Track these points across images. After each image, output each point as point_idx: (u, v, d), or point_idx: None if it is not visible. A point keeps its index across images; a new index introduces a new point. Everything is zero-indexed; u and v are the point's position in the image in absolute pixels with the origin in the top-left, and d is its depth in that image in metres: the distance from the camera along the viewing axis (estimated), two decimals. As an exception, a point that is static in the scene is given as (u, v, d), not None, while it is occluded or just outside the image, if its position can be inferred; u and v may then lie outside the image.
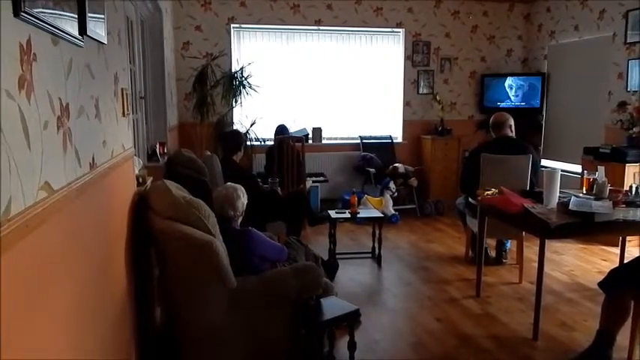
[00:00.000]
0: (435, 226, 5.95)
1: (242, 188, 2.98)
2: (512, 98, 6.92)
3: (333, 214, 4.68)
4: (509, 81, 6.94)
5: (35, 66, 1.23)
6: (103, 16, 1.95)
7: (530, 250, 4.43)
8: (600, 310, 2.78)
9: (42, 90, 1.28)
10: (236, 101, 6.12)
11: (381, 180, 6.26)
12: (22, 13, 1.12)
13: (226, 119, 6.15)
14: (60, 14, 1.43)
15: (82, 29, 1.64)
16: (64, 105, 1.47)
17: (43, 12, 1.28)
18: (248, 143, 5.65)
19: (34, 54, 1.23)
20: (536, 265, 3.09)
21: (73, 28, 1.56)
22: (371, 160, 6.46)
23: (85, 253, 1.65)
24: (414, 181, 6.34)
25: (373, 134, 6.90)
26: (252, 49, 6.49)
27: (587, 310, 3.56)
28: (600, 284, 2.78)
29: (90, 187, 1.69)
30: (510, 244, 4.67)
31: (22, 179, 1.13)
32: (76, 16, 1.60)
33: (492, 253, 4.61)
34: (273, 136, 5.81)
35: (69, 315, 1.44)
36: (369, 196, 6.10)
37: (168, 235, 2.44)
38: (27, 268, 1.15)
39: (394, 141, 6.92)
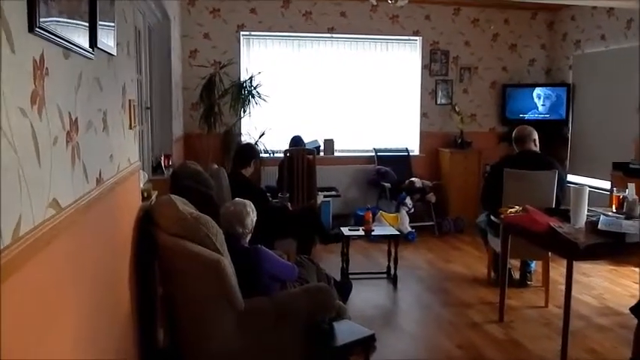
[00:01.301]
0: (455, 245, 5.92)
1: (251, 204, 2.99)
2: (540, 108, 6.91)
3: (345, 231, 4.68)
4: (538, 90, 6.93)
5: (47, 80, 1.27)
6: (113, 25, 2.00)
7: (557, 272, 4.38)
8: (633, 337, 2.74)
9: (52, 105, 1.31)
10: (244, 111, 6.16)
11: (397, 195, 6.24)
12: (37, 29, 1.16)
13: (234, 130, 6.19)
14: (72, 24, 1.47)
15: (93, 41, 1.68)
16: (74, 119, 1.50)
17: (57, 22, 1.31)
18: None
19: (47, 68, 1.26)
20: (563, 287, 3.06)
21: (84, 39, 1.60)
22: (386, 173, 6.45)
23: (91, 272, 1.67)
24: (431, 197, 6.32)
25: (388, 146, 6.91)
26: (262, 57, 6.55)
27: (618, 336, 3.51)
28: (632, 309, 2.74)
29: (96, 204, 1.71)
30: (535, 265, 4.62)
31: (32, 197, 1.16)
32: (87, 26, 1.64)
33: (516, 275, 4.57)
34: (286, 148, 5.80)
35: (78, 338, 1.46)
36: (384, 213, 6.09)
37: (175, 252, 2.45)
38: (34, 290, 1.17)
39: (411, 154, 6.90)
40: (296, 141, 5.89)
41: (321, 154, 6.59)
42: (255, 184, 4.93)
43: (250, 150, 4.73)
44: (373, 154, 6.80)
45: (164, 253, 2.50)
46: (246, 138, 6.27)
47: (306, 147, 5.93)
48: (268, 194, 4.83)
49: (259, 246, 2.88)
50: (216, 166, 4.63)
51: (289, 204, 4.79)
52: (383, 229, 5.08)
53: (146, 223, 2.57)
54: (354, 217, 6.25)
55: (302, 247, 4.49)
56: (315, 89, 6.74)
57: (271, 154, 6.28)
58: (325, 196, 6.10)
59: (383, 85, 6.89)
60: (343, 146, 6.88)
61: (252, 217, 2.94)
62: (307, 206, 5.25)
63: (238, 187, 4.18)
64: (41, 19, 1.17)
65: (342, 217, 6.36)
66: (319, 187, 5.85)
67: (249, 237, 2.97)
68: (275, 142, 6.37)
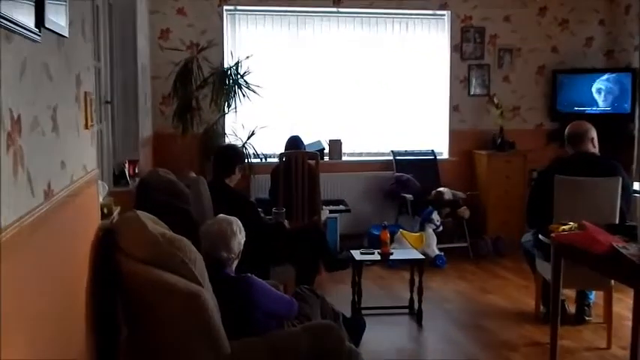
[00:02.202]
0: (494, 272, 5.90)
1: (238, 222, 2.99)
2: (600, 100, 6.90)
3: (357, 255, 4.65)
4: (598, 84, 6.90)
5: (-17, 70, 1.27)
6: (64, 1, 2.00)
7: (622, 305, 4.36)
8: None
9: (-11, 100, 1.32)
10: (229, 106, 6.15)
11: (421, 210, 6.21)
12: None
13: (216, 129, 6.19)
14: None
15: (40, 20, 1.69)
16: (15, 117, 1.51)
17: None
18: (246, 161, 5.64)
19: (-18, 54, 1.27)
20: (629, 324, 3.05)
21: (28, 18, 1.60)
22: (407, 182, 6.43)
23: (35, 311, 1.67)
24: (464, 211, 6.30)
25: (410, 149, 6.89)
26: (252, 39, 6.57)
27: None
28: None
29: (44, 223, 1.71)
30: (595, 297, 4.59)
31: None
32: (33, 1, 1.64)
33: (571, 309, 4.55)
34: (282, 151, 5.78)
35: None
36: (405, 231, 6.06)
37: (143, 284, 2.45)
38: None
39: (438, 157, 6.89)
40: (293, 142, 5.88)
41: (326, 158, 6.57)
42: (243, 196, 4.90)
43: (233, 153, 4.70)
44: (391, 158, 6.78)
45: (129, 285, 2.49)
46: (231, 139, 6.26)
47: (307, 149, 5.92)
48: (260, 209, 4.80)
49: (249, 275, 2.88)
50: (194, 174, 4.64)
51: (286, 221, 4.77)
52: (404, 252, 5.04)
53: (107, 247, 2.58)
54: (368, 237, 6.23)
55: (303, 276, 4.47)
56: (317, 78, 6.73)
57: (263, 159, 6.27)
58: (331, 211, 6.07)
59: (402, 72, 6.89)
60: (353, 148, 6.86)
61: (239, 238, 2.94)
62: (309, 224, 5.23)
63: (222, 201, 4.17)
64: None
65: (353, 238, 6.32)
66: (324, 200, 5.83)
67: (235, 263, 2.97)
68: (268, 144, 6.34)
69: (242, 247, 2.96)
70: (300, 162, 5.37)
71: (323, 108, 6.79)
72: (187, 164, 5.73)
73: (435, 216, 6.13)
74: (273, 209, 4.78)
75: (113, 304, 2.71)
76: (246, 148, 6.08)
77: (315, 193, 5.43)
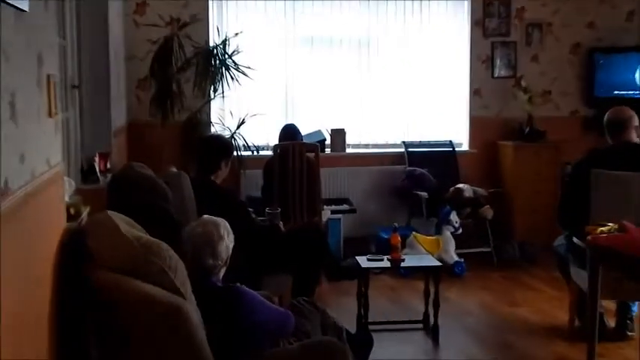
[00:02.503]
0: (522, 281, 5.90)
1: (226, 224, 2.98)
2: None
3: (363, 262, 4.66)
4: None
5: None
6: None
7: (670, 318, 4.38)
8: None
9: None
10: (215, 90, 6.17)
11: (438, 209, 6.23)
12: None
13: (200, 117, 6.20)
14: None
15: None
16: (-34, 103, 1.50)
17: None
18: (235, 154, 5.64)
19: None
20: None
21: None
22: (421, 178, 6.44)
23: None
24: (487, 211, 6.31)
25: (424, 139, 6.90)
26: (241, 14, 6.57)
27: None
28: None
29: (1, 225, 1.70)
30: (638, 309, 4.61)
31: None
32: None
33: (611, 323, 4.55)
34: (276, 143, 5.80)
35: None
36: (418, 235, 6.07)
37: (115, 296, 2.44)
38: None
39: (457, 149, 6.91)
40: (289, 131, 5.87)
41: (327, 150, 6.58)
42: (231, 194, 4.91)
43: (220, 145, 4.72)
44: (402, 150, 6.80)
45: (100, 298, 2.48)
46: (218, 129, 6.28)
47: (306, 140, 5.92)
48: (251, 209, 4.82)
49: (238, 285, 2.87)
50: (174, 169, 4.62)
51: (281, 223, 4.78)
52: (417, 258, 5.07)
53: (74, 254, 2.55)
54: (376, 241, 6.23)
55: (301, 287, 4.48)
56: (318, 58, 6.74)
57: (255, 152, 6.28)
58: (333, 212, 6.08)
59: (416, 51, 6.89)
60: (359, 139, 6.87)
61: (227, 242, 2.93)
62: (308, 226, 5.25)
63: (207, 200, 4.16)
64: None
65: (359, 242, 6.33)
66: (325, 199, 5.85)
67: (223, 271, 2.96)
68: (260, 135, 6.36)
69: (230, 253, 2.95)
70: (298, 155, 5.39)
71: (324, 93, 6.79)
72: (167, 158, 5.74)
73: (454, 217, 6.13)
74: (267, 209, 4.77)
75: (82, 321, 2.68)
76: (235, 139, 6.09)
77: (315, 190, 5.45)
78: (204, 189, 4.33)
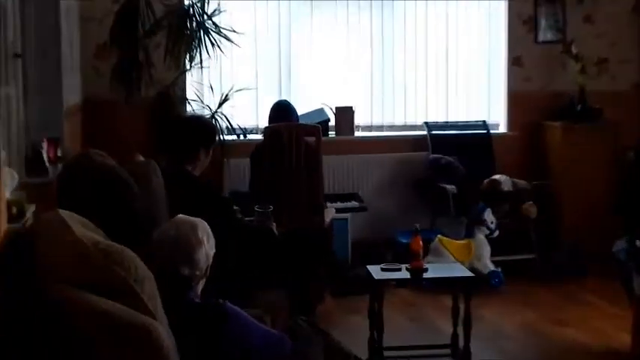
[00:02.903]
0: (573, 295, 5.95)
1: (205, 226, 2.99)
2: None
3: (376, 272, 4.66)
4: None
5: None
6: None
7: None
8: None
9: None
10: (192, 59, 6.18)
11: (469, 207, 6.26)
12: None
13: (174, 93, 6.22)
14: None
15: None
16: None
17: None
18: (216, 139, 5.65)
19: None
20: None
21: None
22: (448, 168, 6.48)
23: None
24: (531, 209, 6.33)
25: (452, 119, 6.97)
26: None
27: None
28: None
29: None
30: None
31: None
32: None
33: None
34: (265, 125, 5.85)
35: None
36: (445, 238, 6.12)
37: (71, 314, 2.39)
38: None
39: (492, 132, 6.97)
40: (281, 110, 5.92)
41: (332, 133, 6.64)
42: (212, 189, 4.94)
43: (198, 127, 4.72)
44: (424, 132, 6.85)
45: (52, 316, 2.43)
46: (195, 107, 6.32)
47: (304, 121, 5.97)
48: (236, 207, 4.83)
49: (221, 301, 2.86)
50: (141, 157, 4.67)
51: (274, 224, 4.74)
52: (444, 267, 5.09)
53: (16, 263, 2.52)
54: (393, 246, 6.25)
55: (299, 303, 4.49)
56: (319, 20, 6.77)
57: (241, 136, 6.33)
58: (339, 210, 6.11)
59: (440, 12, 6.92)
60: (370, 120, 6.92)
61: (207, 248, 2.93)
62: (307, 228, 5.24)
63: (182, 196, 4.17)
64: None
65: (370, 247, 6.38)
66: (328, 194, 5.93)
67: (202, 284, 2.96)
68: (248, 115, 6.44)
69: (211, 262, 2.96)
70: (294, 139, 5.42)
71: (327, 62, 6.82)
72: (132, 143, 5.74)
73: (489, 216, 6.18)
74: (256, 207, 4.80)
75: (26, 347, 2.58)
76: (216, 121, 6.11)
77: (316, 183, 5.50)
78: (178, 182, 4.33)
